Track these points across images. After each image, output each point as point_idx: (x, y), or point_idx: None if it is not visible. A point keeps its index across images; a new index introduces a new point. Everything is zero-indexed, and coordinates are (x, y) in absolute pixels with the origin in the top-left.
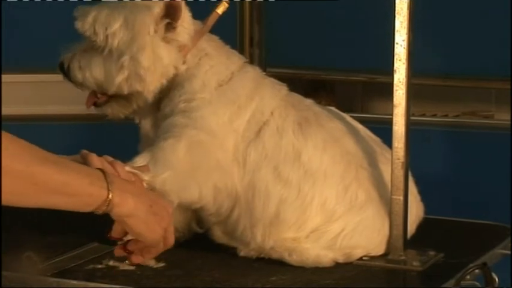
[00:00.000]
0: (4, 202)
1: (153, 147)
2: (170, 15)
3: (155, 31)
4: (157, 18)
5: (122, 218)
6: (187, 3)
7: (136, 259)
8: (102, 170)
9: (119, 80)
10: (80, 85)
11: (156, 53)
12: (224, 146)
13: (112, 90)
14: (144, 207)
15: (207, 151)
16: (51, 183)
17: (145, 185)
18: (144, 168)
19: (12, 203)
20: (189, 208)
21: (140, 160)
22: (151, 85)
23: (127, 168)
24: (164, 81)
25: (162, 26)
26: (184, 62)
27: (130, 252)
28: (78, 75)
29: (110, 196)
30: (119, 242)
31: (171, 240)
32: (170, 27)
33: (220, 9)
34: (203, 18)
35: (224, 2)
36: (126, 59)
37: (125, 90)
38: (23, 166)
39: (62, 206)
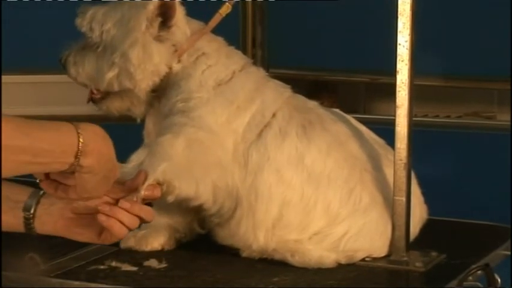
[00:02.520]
0: None
1: (151, 143)
2: (164, 14)
3: (147, 28)
4: (151, 15)
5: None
6: (187, 3)
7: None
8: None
9: (109, 77)
10: (75, 80)
11: (146, 50)
12: (224, 145)
13: (103, 86)
14: (105, 171)
15: (206, 148)
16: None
17: (154, 182)
18: (141, 176)
19: None
20: (191, 207)
21: (138, 157)
22: (142, 83)
23: (126, 185)
24: (156, 80)
25: (156, 24)
26: (179, 61)
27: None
28: (72, 71)
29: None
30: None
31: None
32: (164, 26)
33: (223, 11)
34: (203, 18)
35: (227, 4)
36: (117, 55)
37: (116, 87)
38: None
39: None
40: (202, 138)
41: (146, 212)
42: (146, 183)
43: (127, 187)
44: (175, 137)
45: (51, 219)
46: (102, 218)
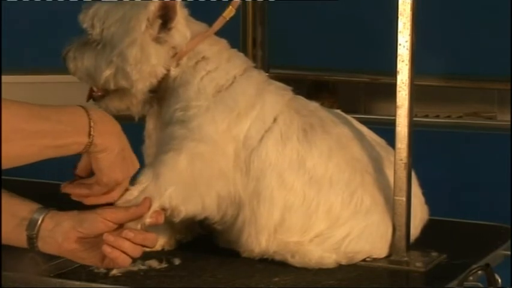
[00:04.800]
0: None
1: (154, 161)
2: (165, 15)
3: (147, 29)
4: (151, 16)
5: (95, 152)
6: (189, 4)
7: (89, 201)
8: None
9: (106, 75)
10: (74, 75)
11: (144, 51)
12: (225, 153)
13: (100, 83)
14: (117, 148)
15: (208, 161)
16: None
17: (159, 208)
18: (146, 204)
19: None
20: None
21: (144, 179)
22: (138, 83)
23: (130, 211)
24: (154, 81)
25: (156, 25)
26: (178, 65)
27: (82, 196)
28: (71, 65)
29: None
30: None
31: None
32: (165, 28)
33: (227, 14)
34: (204, 18)
35: (231, 7)
36: (115, 54)
37: (112, 86)
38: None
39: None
40: (204, 151)
41: (150, 240)
42: (151, 211)
43: (131, 213)
44: (178, 154)
45: (55, 241)
46: (107, 249)
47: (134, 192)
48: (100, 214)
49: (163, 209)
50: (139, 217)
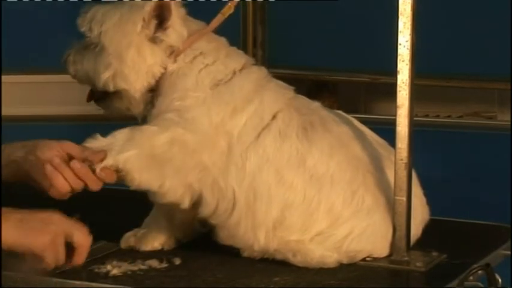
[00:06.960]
0: None
1: (136, 126)
2: (160, 15)
3: (143, 29)
4: (147, 16)
5: None
6: (189, 3)
7: None
8: None
9: (105, 77)
10: (74, 78)
11: (140, 52)
12: (215, 147)
13: (99, 86)
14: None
15: (188, 151)
16: None
17: (111, 165)
18: (101, 155)
19: None
20: (191, 209)
21: (118, 134)
22: (136, 84)
23: (86, 153)
24: (152, 81)
25: (151, 25)
26: (175, 62)
27: None
28: (71, 69)
29: None
30: None
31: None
32: (161, 27)
33: (225, 12)
34: (203, 17)
35: (229, 5)
36: (113, 56)
37: (111, 88)
38: None
39: None
40: (189, 141)
41: (91, 180)
42: (102, 164)
43: (85, 155)
44: (160, 132)
45: (9, 170)
46: (48, 168)
47: (103, 142)
48: (59, 143)
49: (117, 170)
50: (90, 162)
